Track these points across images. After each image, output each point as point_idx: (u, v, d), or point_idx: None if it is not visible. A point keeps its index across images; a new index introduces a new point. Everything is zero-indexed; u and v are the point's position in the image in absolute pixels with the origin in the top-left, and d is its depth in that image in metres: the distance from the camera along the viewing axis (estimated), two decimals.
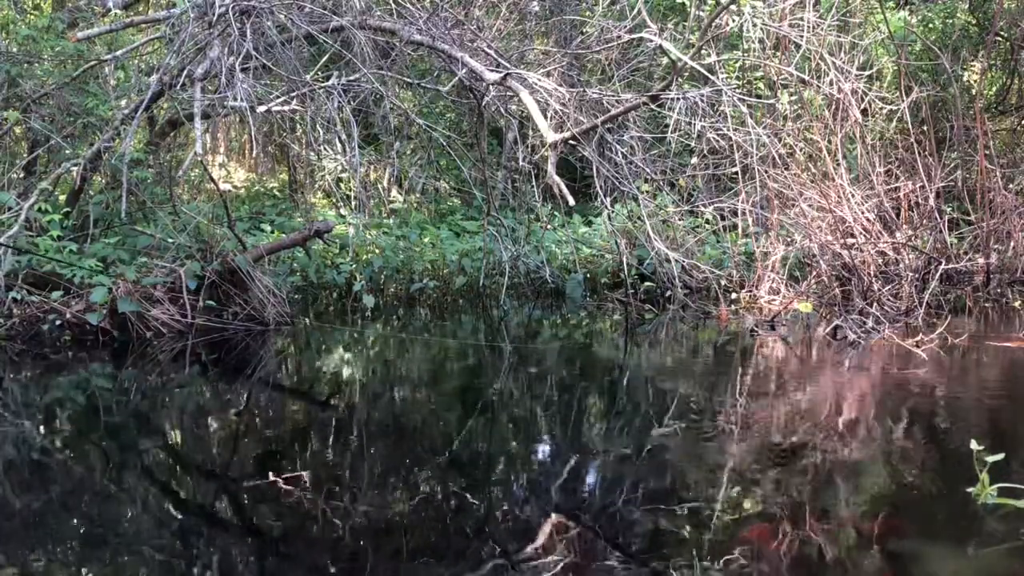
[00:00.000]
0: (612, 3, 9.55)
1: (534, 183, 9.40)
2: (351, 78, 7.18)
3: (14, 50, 7.71)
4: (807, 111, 8.75)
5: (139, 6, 10.31)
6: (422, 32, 7.63)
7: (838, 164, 8.16)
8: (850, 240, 7.95)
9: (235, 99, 6.34)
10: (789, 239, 8.46)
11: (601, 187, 7.62)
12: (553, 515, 3.38)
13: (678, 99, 7.23)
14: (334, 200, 11.43)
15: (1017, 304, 8.44)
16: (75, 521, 3.30)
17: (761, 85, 9.89)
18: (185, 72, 6.86)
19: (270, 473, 3.77)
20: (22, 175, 7.94)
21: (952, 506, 3.47)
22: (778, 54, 9.03)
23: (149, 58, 8.44)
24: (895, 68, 9.79)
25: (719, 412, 4.95)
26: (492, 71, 7.39)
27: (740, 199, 8.49)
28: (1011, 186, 9.82)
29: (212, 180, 8.45)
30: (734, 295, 8.36)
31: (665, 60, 8.89)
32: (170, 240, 7.24)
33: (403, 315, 8.38)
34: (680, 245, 8.60)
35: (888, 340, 6.67)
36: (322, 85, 7.05)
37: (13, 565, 2.91)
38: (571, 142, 7.27)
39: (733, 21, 8.81)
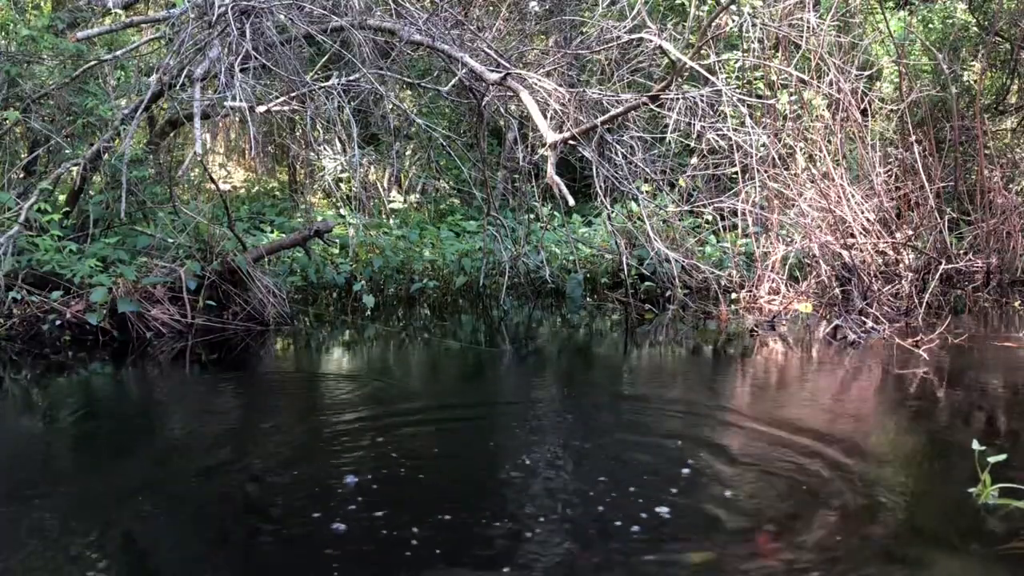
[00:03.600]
0: (612, 3, 9.55)
1: (534, 183, 9.41)
2: (351, 78, 7.18)
3: (14, 50, 7.71)
4: (807, 111, 8.75)
5: (139, 6, 10.31)
6: (422, 32, 7.63)
7: (838, 164, 8.16)
8: (850, 240, 7.95)
9: (235, 99, 6.34)
10: (789, 239, 8.46)
11: (601, 187, 7.62)
12: (550, 512, 3.37)
13: (678, 99, 7.23)
14: (334, 200, 11.43)
15: (1017, 304, 8.44)
16: (74, 521, 3.30)
17: (761, 85, 9.90)
18: (185, 72, 6.87)
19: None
20: (22, 175, 7.95)
21: (953, 506, 3.47)
22: (778, 54, 9.04)
23: (149, 58, 8.44)
24: (895, 68, 9.78)
25: (718, 412, 4.94)
26: (492, 71, 7.39)
27: (740, 199, 8.49)
28: (1011, 186, 9.83)
29: (212, 180, 8.44)
30: (734, 295, 8.35)
31: (665, 60, 8.89)
32: (170, 240, 7.24)
33: (403, 315, 8.38)
34: (680, 245, 8.60)
35: (888, 340, 6.67)
36: (322, 85, 7.05)
37: (13, 567, 2.91)
38: (571, 142, 7.27)
39: (733, 21, 8.82)
